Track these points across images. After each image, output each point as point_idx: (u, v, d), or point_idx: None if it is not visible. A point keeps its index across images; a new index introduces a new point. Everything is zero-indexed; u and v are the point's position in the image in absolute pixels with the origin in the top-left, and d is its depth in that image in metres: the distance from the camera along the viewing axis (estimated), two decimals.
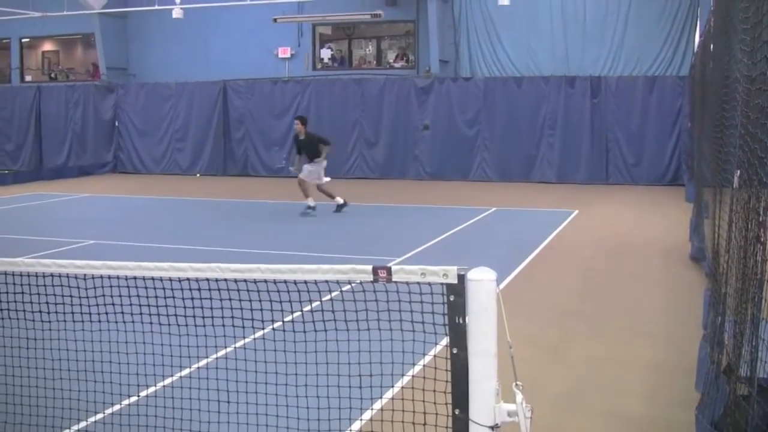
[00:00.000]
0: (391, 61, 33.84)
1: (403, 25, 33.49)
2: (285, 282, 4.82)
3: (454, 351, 4.14)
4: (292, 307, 5.19)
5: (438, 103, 30.41)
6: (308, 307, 5.54)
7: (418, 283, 4.26)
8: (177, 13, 29.61)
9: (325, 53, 34.38)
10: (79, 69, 40.06)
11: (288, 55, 33.51)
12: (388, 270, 4.25)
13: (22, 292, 6.27)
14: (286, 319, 5.45)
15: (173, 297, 5.51)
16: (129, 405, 6.64)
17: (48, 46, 41.12)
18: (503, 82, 29.99)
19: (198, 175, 33.32)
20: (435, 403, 4.50)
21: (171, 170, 34.03)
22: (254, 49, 33.43)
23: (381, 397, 6.29)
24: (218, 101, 33.40)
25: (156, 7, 30.10)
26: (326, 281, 4.62)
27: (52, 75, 40.19)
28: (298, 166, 21.52)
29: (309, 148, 21.33)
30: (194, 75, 33.84)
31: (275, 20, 30.63)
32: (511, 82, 29.87)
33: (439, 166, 30.40)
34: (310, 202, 21.11)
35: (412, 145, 30.80)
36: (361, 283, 4.51)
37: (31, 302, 6.33)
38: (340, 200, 21.53)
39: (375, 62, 34.43)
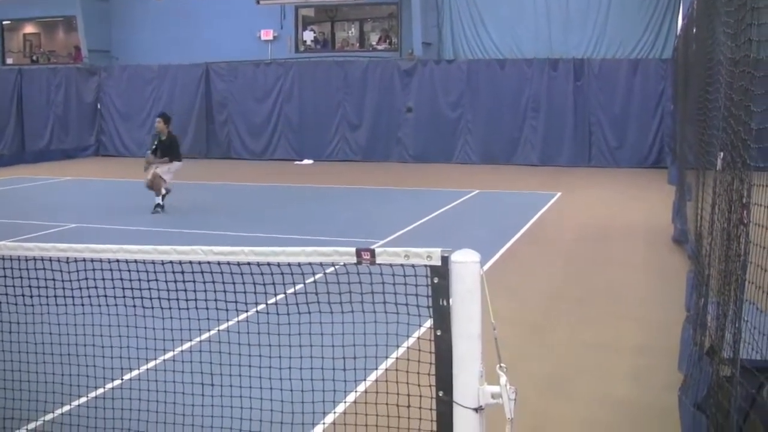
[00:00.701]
0: (374, 43, 33.77)
1: (386, 7, 33.42)
2: (269, 264, 4.81)
3: (438, 333, 4.14)
4: (275, 290, 5.17)
5: (421, 86, 30.37)
6: (291, 290, 5.52)
7: (402, 265, 4.26)
8: None
9: (308, 35, 34.26)
10: (61, 52, 39.83)
11: (271, 38, 33.40)
12: (372, 252, 4.25)
13: (5, 276, 6.24)
14: (269, 302, 5.43)
15: (156, 280, 5.49)
16: (113, 388, 6.61)
17: (29, 29, 40.85)
18: (486, 64, 29.98)
19: None
20: (419, 385, 4.51)
21: None
22: (237, 31, 33.29)
23: (365, 380, 6.30)
24: (201, 84, 33.29)
25: None
26: (309, 263, 4.62)
27: (34, 58, 39.96)
28: (149, 162, 19.57)
29: (167, 151, 19.61)
30: (177, 57, 33.67)
31: (258, 2, 30.52)
32: (494, 64, 29.85)
33: (423, 148, 30.38)
34: (161, 200, 19.28)
35: (395, 127, 30.77)
36: (345, 265, 4.51)
37: (14, 286, 6.30)
38: (160, 201, 19.33)
39: (358, 44, 34.35)
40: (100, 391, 6.60)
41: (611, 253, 14.36)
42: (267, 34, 33.41)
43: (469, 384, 4.04)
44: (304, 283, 5.28)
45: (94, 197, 21.41)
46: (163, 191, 19.29)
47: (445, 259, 4.08)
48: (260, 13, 32.21)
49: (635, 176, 25.67)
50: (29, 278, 6.26)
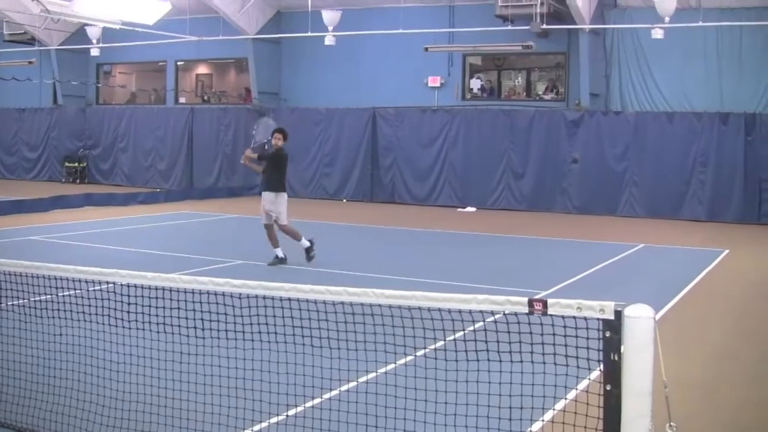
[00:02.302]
0: (541, 92, 33.68)
1: (554, 57, 33.28)
2: (439, 310, 4.84)
3: (608, 388, 4.11)
4: (439, 336, 5.21)
5: (587, 137, 30.02)
6: (453, 337, 5.55)
7: (574, 317, 4.23)
8: (329, 40, 30.06)
9: (475, 83, 34.37)
10: (232, 92, 41.00)
11: (438, 84, 33.60)
12: (544, 303, 4.24)
13: (178, 308, 6.46)
14: (434, 347, 5.47)
15: (326, 320, 5.60)
16: (277, 423, 6.74)
17: (202, 69, 42.26)
18: (654, 117, 29.46)
19: (344, 200, 33.66)
20: None
21: (318, 194, 34.38)
22: (405, 77, 33.63)
23: (529, 430, 6.25)
24: (367, 128, 33.67)
25: (309, 34, 30.46)
26: (480, 311, 4.63)
27: (205, 98, 41.24)
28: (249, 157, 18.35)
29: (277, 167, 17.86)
30: (344, 101, 34.23)
31: (426, 49, 30.77)
32: (662, 117, 29.31)
33: (587, 200, 30.00)
34: (280, 252, 17.43)
35: (560, 178, 30.48)
36: (510, 314, 4.51)
37: (186, 318, 6.52)
38: (306, 242, 17.38)
39: (524, 94, 34.30)
40: (264, 425, 6.74)
41: None
42: (434, 81, 33.63)
43: None
44: (465, 331, 5.31)
45: (259, 235, 21.76)
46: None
47: (618, 313, 4.05)
48: (428, 59, 32.39)
49: None
50: (201, 311, 6.47)
